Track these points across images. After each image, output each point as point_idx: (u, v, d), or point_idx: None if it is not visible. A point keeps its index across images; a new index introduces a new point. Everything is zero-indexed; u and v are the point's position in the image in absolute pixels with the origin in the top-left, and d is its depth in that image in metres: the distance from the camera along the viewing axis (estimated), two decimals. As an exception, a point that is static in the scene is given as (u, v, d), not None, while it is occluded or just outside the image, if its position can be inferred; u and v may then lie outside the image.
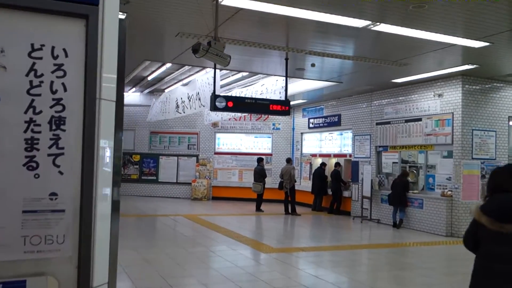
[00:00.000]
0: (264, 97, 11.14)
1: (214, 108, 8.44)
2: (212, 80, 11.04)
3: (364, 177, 12.97)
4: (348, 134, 14.56)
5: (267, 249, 8.16)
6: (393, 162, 12.57)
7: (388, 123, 12.55)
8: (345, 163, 14.58)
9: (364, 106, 13.60)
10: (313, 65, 9.73)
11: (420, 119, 11.51)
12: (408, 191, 11.55)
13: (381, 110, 12.88)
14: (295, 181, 14.10)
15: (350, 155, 14.27)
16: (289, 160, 14.37)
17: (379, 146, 12.95)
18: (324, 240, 9.63)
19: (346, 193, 14.18)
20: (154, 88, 16.70)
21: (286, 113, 9.04)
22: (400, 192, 11.46)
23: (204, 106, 12.60)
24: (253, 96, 11.82)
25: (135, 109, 18.46)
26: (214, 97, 8.44)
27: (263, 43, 8.05)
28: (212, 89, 9.00)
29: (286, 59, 9.21)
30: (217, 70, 10.80)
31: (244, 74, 13.26)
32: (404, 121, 12.02)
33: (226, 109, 8.53)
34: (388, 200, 11.90)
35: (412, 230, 11.15)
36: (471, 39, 7.48)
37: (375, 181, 12.76)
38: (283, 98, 9.73)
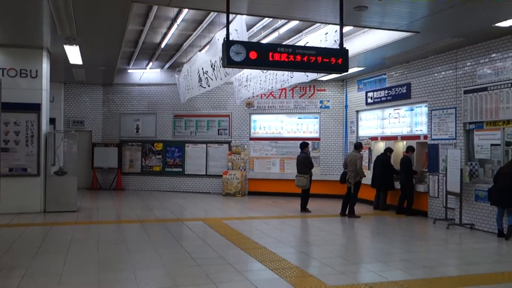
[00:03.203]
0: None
1: (228, 61, 5.29)
2: (238, 35, 7.89)
3: (449, 166, 9.43)
4: (422, 109, 10.99)
5: None
6: (492, 144, 8.93)
7: (484, 89, 8.93)
8: (418, 147, 11.04)
9: (445, 69, 10.00)
10: (381, -4, 6.31)
11: (538, 80, 7.86)
12: (521, 185, 7.97)
13: (472, 73, 9.25)
14: (364, 175, 10.71)
15: (425, 137, 10.72)
16: (358, 146, 10.89)
17: (470, 123, 9.34)
18: (399, 263, 6.31)
19: (420, 187, 10.69)
20: (174, 61, 13.75)
21: (342, 68, 5.76)
22: (509, 187, 7.90)
23: (229, 74, 9.49)
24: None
25: (156, 89, 15.63)
26: (227, 44, 5.27)
27: None
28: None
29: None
30: (242, 16, 7.62)
31: (281, 31, 10.00)
32: (510, 84, 8.38)
33: (246, 62, 5.35)
34: (489, 198, 8.35)
35: (531, 243, 7.60)
36: None
37: (465, 170, 9.20)
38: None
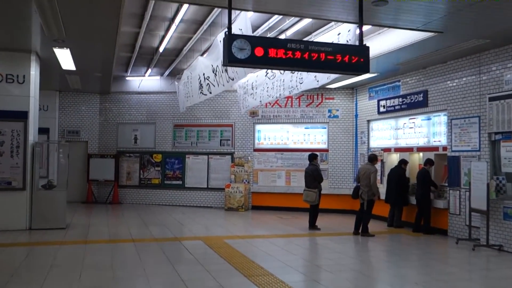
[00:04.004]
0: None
1: (229, 59, 4.50)
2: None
3: (473, 180, 8.57)
4: (440, 118, 10.16)
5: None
6: (522, 157, 8.10)
7: (512, 96, 8.12)
8: (437, 160, 10.18)
9: (467, 74, 9.19)
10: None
11: None
12: (558, 203, 7.11)
13: (498, 78, 8.44)
14: (378, 194, 9.67)
15: (445, 148, 9.88)
16: (372, 158, 9.97)
17: (496, 133, 8.50)
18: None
19: (439, 203, 9.81)
20: (174, 67, 13.00)
21: (363, 68, 4.97)
22: (546, 205, 7.04)
23: (233, 79, 8.70)
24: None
25: (155, 97, 14.88)
26: (229, 39, 4.48)
27: None
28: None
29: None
30: (247, 14, 6.84)
31: (288, 34, 9.24)
32: (543, 91, 7.57)
33: (251, 60, 4.56)
34: (521, 217, 7.51)
35: None
36: None
37: (491, 185, 8.34)
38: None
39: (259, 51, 4.62)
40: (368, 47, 5.16)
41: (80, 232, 9.20)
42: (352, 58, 4.93)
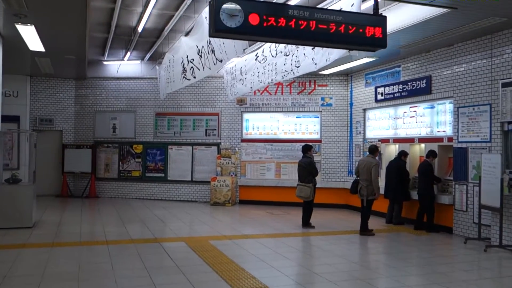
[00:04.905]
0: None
1: (216, 27, 3.57)
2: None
3: (483, 174, 7.78)
4: (445, 106, 9.35)
5: None
6: (539, 149, 7.34)
7: (529, 82, 7.33)
8: (440, 151, 9.39)
9: (476, 58, 8.37)
10: None
11: None
12: None
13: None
14: (378, 193, 8.74)
15: (450, 139, 9.09)
16: (373, 150, 9.14)
17: (509, 122, 7.72)
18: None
19: (444, 198, 9.04)
20: (155, 50, 11.97)
21: (379, 42, 4.07)
22: None
23: (221, 61, 7.76)
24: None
25: (135, 84, 13.83)
26: (217, 2, 3.55)
27: None
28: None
29: None
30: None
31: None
32: None
33: (244, 29, 3.62)
34: (539, 215, 6.75)
35: None
36: None
37: (504, 180, 7.56)
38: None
39: (254, 19, 3.70)
40: (385, 17, 4.27)
41: (47, 232, 8.20)
42: (367, 30, 4.04)
